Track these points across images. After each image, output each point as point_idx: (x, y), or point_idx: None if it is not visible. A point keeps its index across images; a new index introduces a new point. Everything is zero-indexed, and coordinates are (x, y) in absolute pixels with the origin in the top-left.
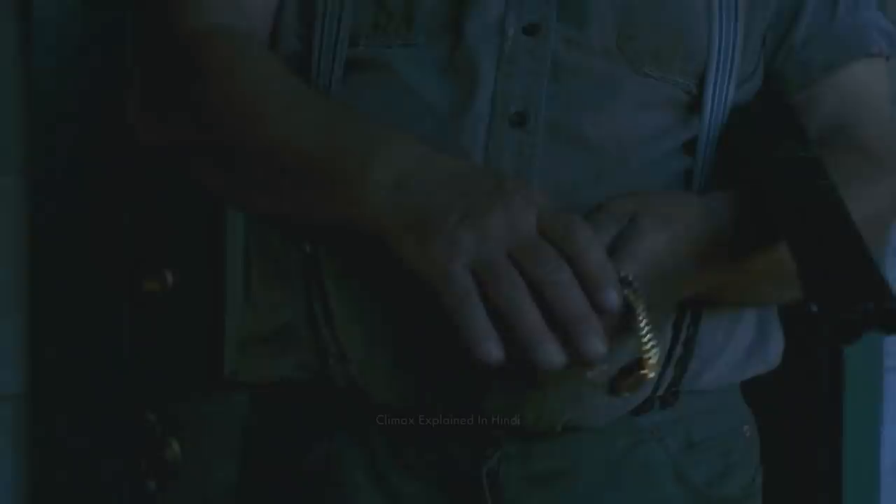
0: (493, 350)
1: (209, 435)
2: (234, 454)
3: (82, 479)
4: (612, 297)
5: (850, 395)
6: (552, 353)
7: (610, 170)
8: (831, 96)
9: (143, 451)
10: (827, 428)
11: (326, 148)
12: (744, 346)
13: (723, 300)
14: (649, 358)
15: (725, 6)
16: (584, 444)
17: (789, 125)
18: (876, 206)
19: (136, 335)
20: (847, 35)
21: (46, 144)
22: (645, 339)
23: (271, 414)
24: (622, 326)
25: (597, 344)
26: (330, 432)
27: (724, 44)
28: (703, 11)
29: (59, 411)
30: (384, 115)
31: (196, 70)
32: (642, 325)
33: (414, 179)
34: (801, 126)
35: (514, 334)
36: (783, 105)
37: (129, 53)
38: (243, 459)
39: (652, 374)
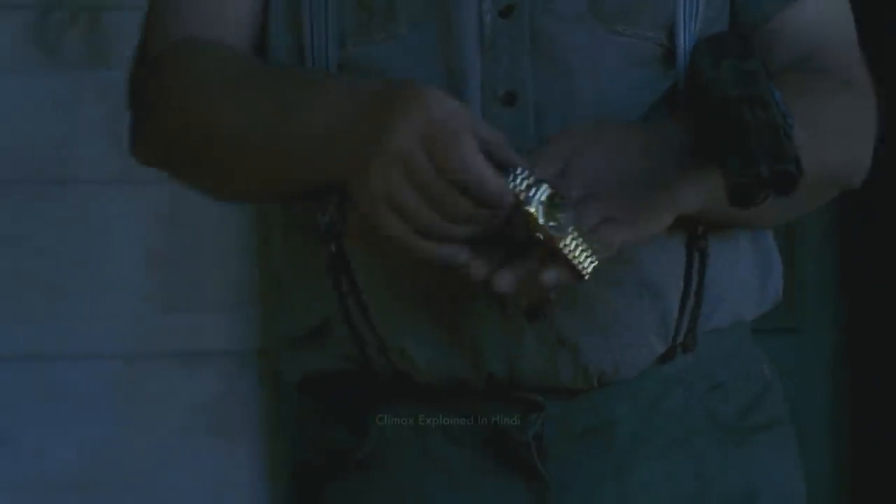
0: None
1: None
2: None
3: None
4: (504, 197)
5: None
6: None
7: None
8: (794, 26)
9: None
10: None
11: (279, 125)
12: (745, 283)
13: (708, 222)
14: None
15: None
16: (619, 398)
17: (733, 45)
18: (839, 118)
19: None
20: None
21: None
22: (568, 248)
23: (319, 404)
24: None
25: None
26: (377, 416)
27: None
28: None
29: None
30: None
31: (157, 86)
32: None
33: (337, 131)
34: (746, 44)
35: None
36: (733, 31)
37: None
38: (294, 450)
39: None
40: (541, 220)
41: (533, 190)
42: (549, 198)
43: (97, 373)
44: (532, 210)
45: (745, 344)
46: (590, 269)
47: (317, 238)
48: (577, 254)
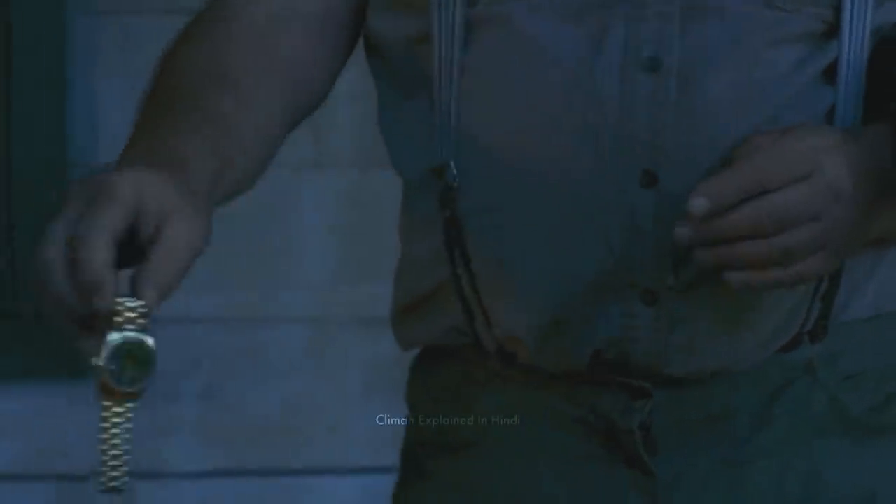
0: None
1: None
2: None
3: None
4: (103, 305)
5: None
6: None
7: (748, 109)
8: None
9: None
10: None
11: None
12: (890, 274)
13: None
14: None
15: None
16: (735, 387)
17: None
18: None
19: None
20: None
21: None
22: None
23: (428, 380)
24: None
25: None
26: (483, 396)
27: None
28: None
29: None
30: (510, 71)
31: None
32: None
33: None
34: None
35: None
36: None
37: None
38: (406, 429)
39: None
40: (102, 355)
41: (129, 327)
42: (136, 346)
43: (292, 335)
44: (109, 338)
45: (891, 334)
46: (114, 484)
47: (433, 205)
48: (113, 425)
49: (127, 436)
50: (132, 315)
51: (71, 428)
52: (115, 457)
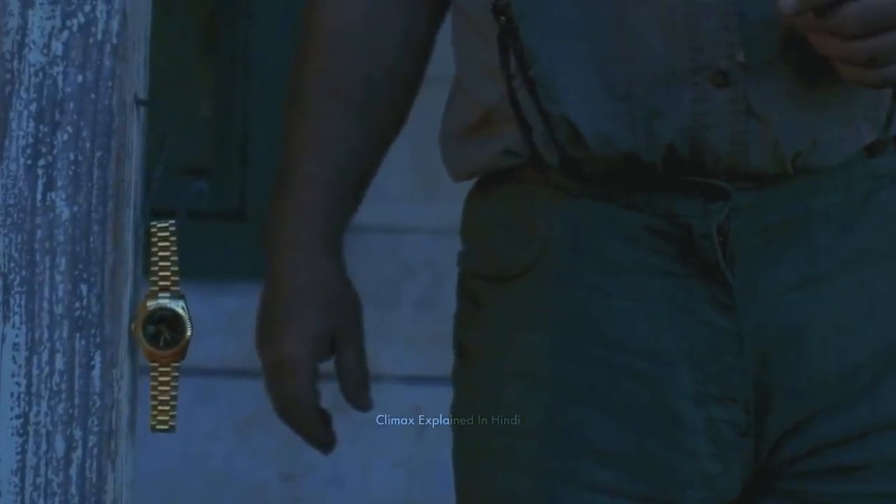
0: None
1: None
2: None
3: None
4: None
5: None
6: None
7: None
8: None
9: None
10: None
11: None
12: None
13: None
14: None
15: None
16: (820, 190)
17: None
18: None
19: None
20: None
21: None
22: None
23: (486, 208)
24: None
25: None
26: (545, 216)
27: None
28: None
29: None
30: None
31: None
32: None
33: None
34: None
35: None
36: None
37: None
38: (461, 263)
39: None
40: (138, 321)
41: (163, 294)
42: (169, 312)
43: None
44: (148, 304)
45: None
46: (157, 425)
47: (487, 17)
48: (161, 382)
49: (174, 392)
50: (166, 283)
51: None
52: (163, 402)
